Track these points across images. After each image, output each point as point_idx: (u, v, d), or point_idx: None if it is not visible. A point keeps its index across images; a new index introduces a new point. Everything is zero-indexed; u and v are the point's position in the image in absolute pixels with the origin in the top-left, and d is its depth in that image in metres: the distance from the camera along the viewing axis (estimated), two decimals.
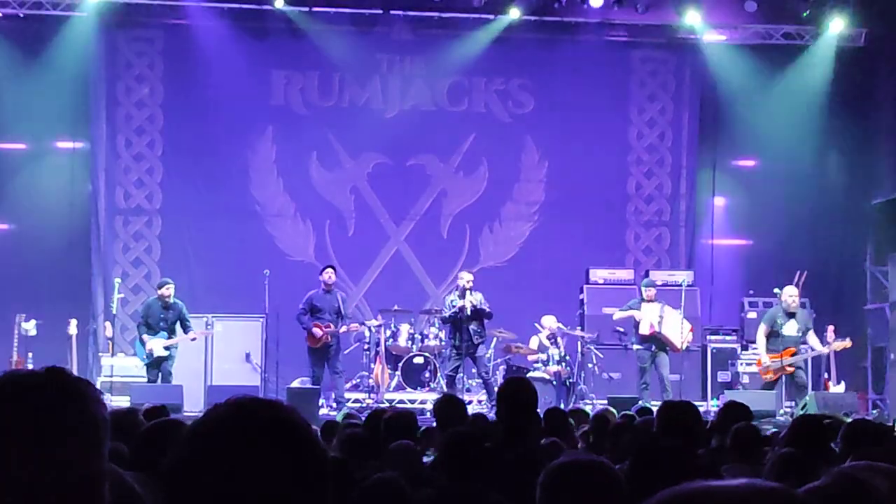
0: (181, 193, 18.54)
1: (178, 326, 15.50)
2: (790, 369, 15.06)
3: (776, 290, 16.90)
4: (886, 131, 18.56)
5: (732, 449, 5.96)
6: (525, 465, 4.76)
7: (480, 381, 16.18)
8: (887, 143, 18.60)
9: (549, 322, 16.72)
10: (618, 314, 16.29)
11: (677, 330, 15.88)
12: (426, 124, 18.97)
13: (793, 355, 15.03)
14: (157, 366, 15.29)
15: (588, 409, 15.46)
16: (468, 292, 15.78)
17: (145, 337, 15.34)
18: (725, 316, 18.99)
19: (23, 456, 1.95)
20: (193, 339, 15.62)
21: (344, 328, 15.90)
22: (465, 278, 15.98)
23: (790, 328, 15.12)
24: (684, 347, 16.04)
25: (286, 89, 18.96)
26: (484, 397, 16.07)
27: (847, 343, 15.44)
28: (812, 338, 15.27)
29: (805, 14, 18.35)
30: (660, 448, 4.26)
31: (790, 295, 15.27)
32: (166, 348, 15.28)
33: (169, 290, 15.48)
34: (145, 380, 15.34)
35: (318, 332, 15.63)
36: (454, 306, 15.80)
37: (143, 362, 15.42)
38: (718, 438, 6.53)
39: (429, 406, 15.12)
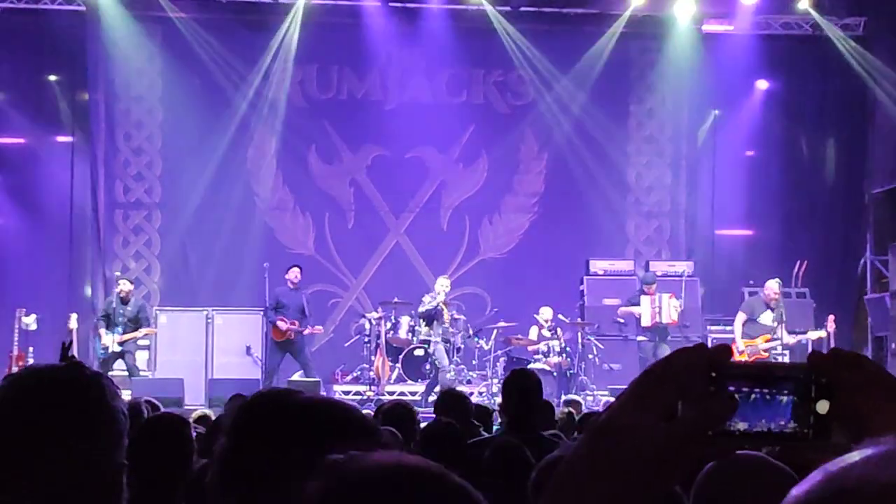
0: (180, 187, 18.52)
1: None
2: (765, 355, 15.15)
3: (777, 280, 16.92)
4: (885, 120, 18.55)
5: None
6: (527, 456, 4.75)
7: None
8: (886, 132, 18.58)
9: (547, 313, 16.73)
10: (621, 310, 16.39)
11: (667, 308, 16.01)
12: (425, 116, 18.94)
13: (767, 342, 15.22)
14: (113, 361, 15.24)
15: (590, 398, 15.66)
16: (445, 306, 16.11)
17: (102, 332, 15.32)
18: (726, 306, 18.99)
19: (46, 449, 1.98)
20: (144, 336, 15.65)
21: (307, 330, 16.00)
22: (443, 285, 16.21)
23: (766, 318, 15.34)
24: (675, 317, 16.05)
25: (285, 82, 18.92)
26: (485, 389, 16.08)
27: (821, 333, 15.50)
28: (782, 330, 15.37)
29: (799, 3, 18.33)
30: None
31: (773, 290, 15.43)
32: (121, 344, 15.26)
33: (122, 286, 15.55)
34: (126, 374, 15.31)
35: (282, 325, 15.76)
36: (431, 303, 16.18)
37: (99, 357, 15.38)
38: None
39: (431, 398, 15.15)
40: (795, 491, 0.99)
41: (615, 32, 18.90)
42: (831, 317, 15.66)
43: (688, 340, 16.67)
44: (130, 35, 18.29)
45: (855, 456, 0.98)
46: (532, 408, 6.11)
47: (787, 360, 15.81)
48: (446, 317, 16.22)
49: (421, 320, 16.44)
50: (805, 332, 15.58)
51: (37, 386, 2.05)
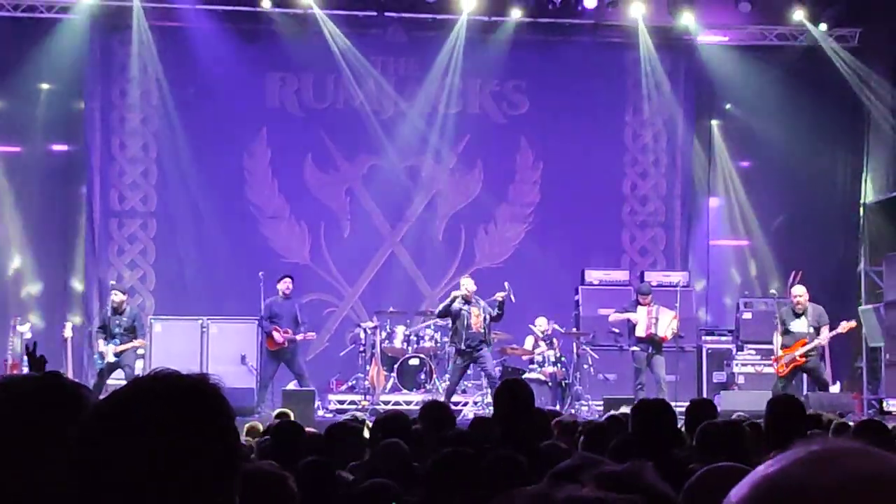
0: (176, 196, 18.51)
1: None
2: (802, 359, 15.06)
3: (772, 291, 16.94)
4: (880, 131, 18.58)
5: (698, 448, 5.71)
6: (524, 468, 4.74)
7: (486, 380, 15.78)
8: (881, 143, 18.63)
9: (542, 323, 16.71)
10: (613, 316, 16.30)
11: (666, 324, 15.95)
12: (421, 126, 18.97)
13: (804, 346, 15.06)
14: (109, 372, 15.18)
15: (584, 408, 15.66)
16: (473, 301, 15.53)
17: (100, 342, 15.30)
18: (721, 316, 19.02)
19: (20, 461, 1.95)
20: (137, 347, 15.57)
21: (300, 336, 16.02)
22: (467, 286, 15.67)
23: (799, 325, 15.16)
24: (669, 335, 15.97)
25: (281, 91, 18.95)
26: (480, 399, 16.05)
27: (851, 324, 15.50)
28: (824, 332, 15.23)
29: (794, 14, 18.38)
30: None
31: (797, 295, 15.34)
32: (117, 355, 15.23)
33: (116, 297, 15.50)
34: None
35: (277, 336, 15.81)
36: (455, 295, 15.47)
37: (95, 367, 15.37)
38: (689, 439, 6.42)
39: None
40: (735, 494, 0.99)
41: (612, 43, 18.95)
42: (826, 331, 15.47)
43: (683, 351, 16.71)
44: (126, 43, 18.30)
45: (790, 457, 0.99)
46: (524, 417, 6.07)
47: None
48: (475, 321, 15.25)
49: (438, 320, 16.15)
50: (838, 326, 15.46)
51: (9, 396, 2.04)
